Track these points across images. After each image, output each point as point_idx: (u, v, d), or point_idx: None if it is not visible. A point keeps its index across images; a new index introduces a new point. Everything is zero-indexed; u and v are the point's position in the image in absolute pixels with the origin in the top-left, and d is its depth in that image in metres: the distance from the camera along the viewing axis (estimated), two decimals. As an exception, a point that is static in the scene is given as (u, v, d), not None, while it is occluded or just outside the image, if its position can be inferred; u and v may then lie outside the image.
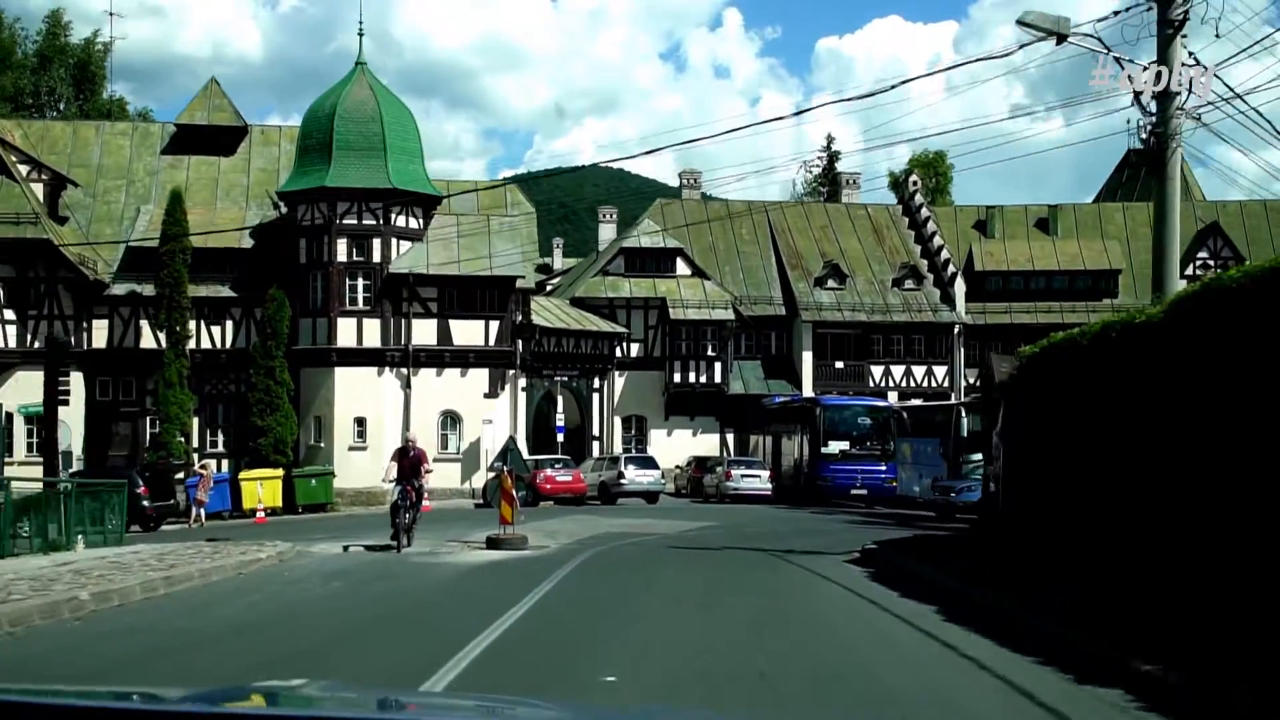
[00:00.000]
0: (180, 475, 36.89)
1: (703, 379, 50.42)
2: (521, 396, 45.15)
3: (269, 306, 39.47)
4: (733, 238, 56.55)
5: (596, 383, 48.92)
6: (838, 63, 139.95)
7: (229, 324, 42.30)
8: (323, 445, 40.93)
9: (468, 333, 41.72)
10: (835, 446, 38.76)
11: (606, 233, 58.61)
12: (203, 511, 34.34)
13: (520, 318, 42.66)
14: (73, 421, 40.46)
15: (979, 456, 36.94)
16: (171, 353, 39.22)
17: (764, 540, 22.47)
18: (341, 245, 40.77)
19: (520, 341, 43.13)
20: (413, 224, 42.30)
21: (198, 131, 46.03)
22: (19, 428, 39.80)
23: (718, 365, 50.44)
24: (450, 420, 41.98)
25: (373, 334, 41.10)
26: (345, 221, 40.84)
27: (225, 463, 41.54)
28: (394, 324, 41.25)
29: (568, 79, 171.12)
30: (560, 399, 47.57)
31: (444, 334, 41.71)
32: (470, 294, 41.59)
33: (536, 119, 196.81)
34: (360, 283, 40.94)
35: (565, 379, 47.35)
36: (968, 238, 57.95)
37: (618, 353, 49.80)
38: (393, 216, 41.31)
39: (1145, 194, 62.05)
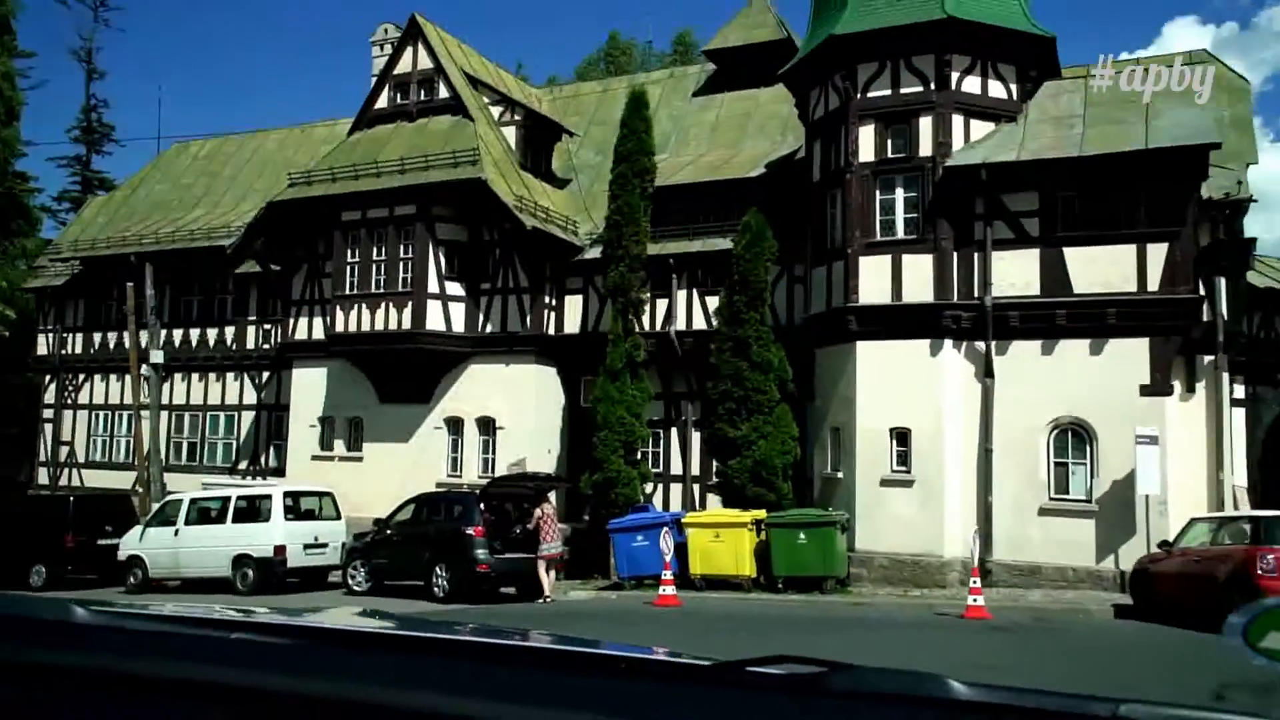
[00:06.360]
0: (530, 512, 15.88)
1: None
2: (1235, 414, 17.66)
3: (740, 240, 17.27)
4: None
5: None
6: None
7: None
8: (841, 475, 17.19)
9: (1101, 271, 15.74)
10: None
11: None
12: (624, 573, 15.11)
13: (1212, 237, 15.50)
14: (546, 432, 21.75)
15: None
16: (617, 325, 18.29)
17: None
18: (866, 136, 18.00)
19: (1220, 284, 15.83)
20: (995, 91, 17.88)
21: (731, 59, 25.44)
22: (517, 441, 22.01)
23: None
24: (1072, 436, 16.04)
25: (919, 281, 17.57)
26: (872, 94, 17.71)
27: (706, 500, 19.71)
28: (958, 262, 16.38)
29: None
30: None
31: (1054, 275, 16.46)
32: (1112, 196, 15.39)
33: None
34: (899, 195, 17.56)
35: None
36: None
37: None
38: (953, 77, 16.92)
39: None
